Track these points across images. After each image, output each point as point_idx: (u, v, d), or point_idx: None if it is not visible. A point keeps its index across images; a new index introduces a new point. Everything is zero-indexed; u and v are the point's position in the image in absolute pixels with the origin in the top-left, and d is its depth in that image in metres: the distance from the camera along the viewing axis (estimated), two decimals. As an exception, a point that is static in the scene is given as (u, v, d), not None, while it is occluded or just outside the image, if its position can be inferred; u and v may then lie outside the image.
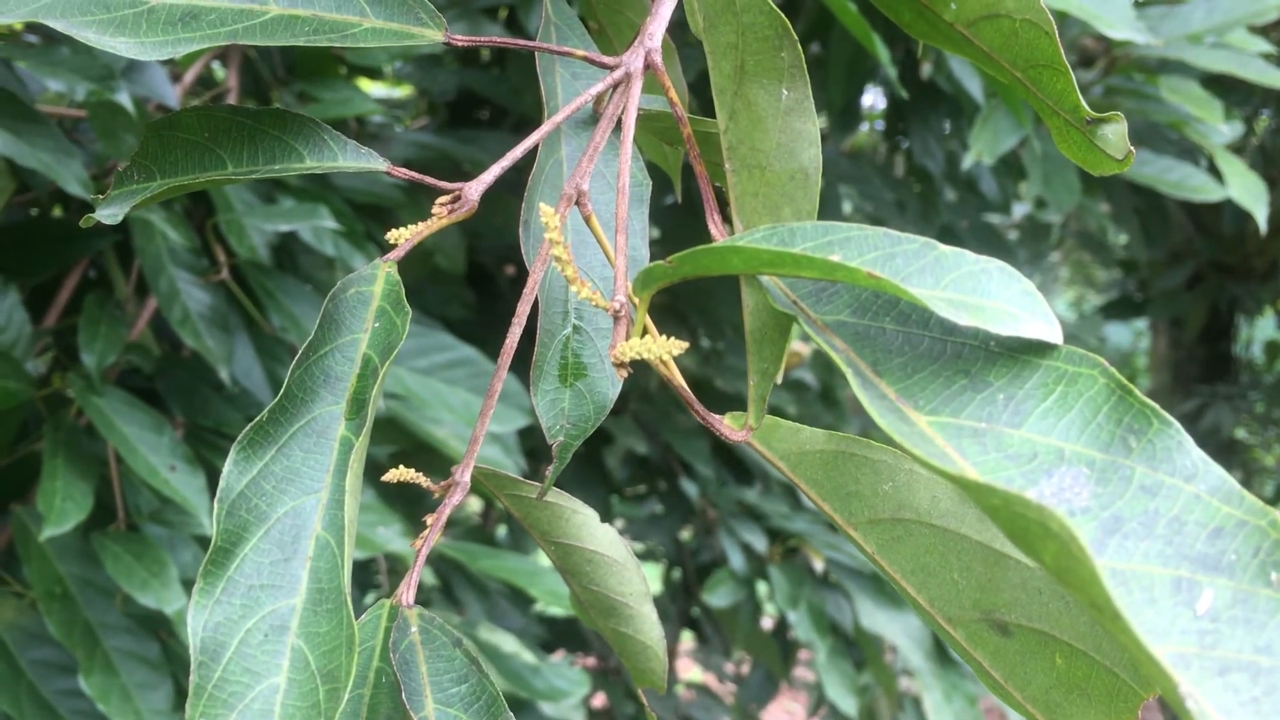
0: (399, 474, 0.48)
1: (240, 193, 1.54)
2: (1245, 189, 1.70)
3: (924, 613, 0.46)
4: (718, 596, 2.10)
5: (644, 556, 2.96)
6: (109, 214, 0.46)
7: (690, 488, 2.42)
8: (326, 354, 0.42)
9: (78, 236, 1.51)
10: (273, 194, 1.56)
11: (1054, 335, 0.34)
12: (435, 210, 0.46)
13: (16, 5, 0.42)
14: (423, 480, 0.49)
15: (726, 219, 0.49)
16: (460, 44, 0.46)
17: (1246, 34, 1.88)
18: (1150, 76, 1.72)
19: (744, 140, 0.41)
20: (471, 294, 2.26)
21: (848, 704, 2.04)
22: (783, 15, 0.39)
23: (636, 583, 0.60)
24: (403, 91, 2.64)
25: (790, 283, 0.38)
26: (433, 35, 0.45)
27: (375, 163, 0.46)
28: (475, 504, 2.88)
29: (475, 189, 0.46)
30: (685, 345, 0.39)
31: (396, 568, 1.65)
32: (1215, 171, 2.04)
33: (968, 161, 1.63)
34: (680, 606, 2.89)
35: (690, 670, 3.98)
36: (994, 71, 0.60)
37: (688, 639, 3.28)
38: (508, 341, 0.46)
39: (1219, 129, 1.70)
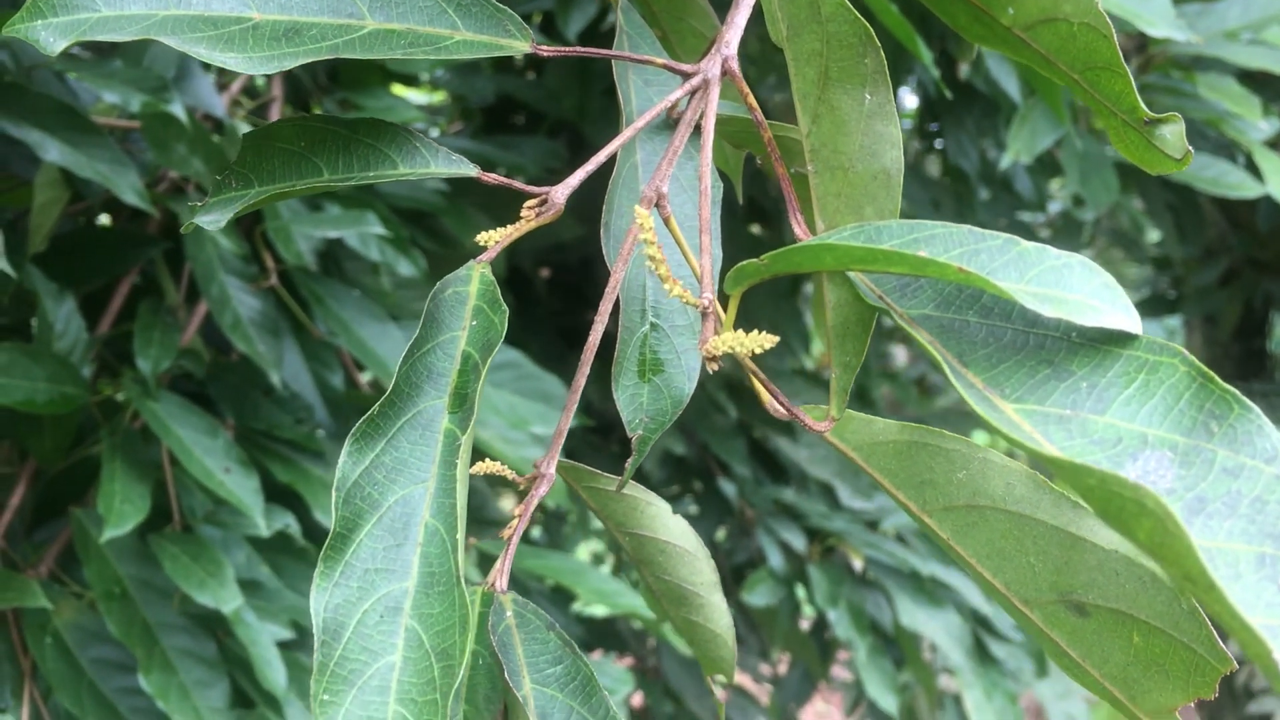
0: (485, 467, 0.50)
1: (287, 201, 1.56)
2: (1284, 185, 1.70)
3: (999, 596, 0.48)
4: (757, 595, 2.11)
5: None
6: (210, 220, 0.48)
7: (728, 487, 2.44)
8: (429, 351, 0.44)
9: (129, 245, 1.54)
10: (319, 201, 1.59)
11: (1134, 326, 0.36)
12: (524, 213, 0.48)
13: (129, 24, 0.44)
14: (507, 473, 0.51)
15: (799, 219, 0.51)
16: (546, 54, 0.48)
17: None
18: (1188, 74, 1.72)
19: (827, 143, 0.42)
20: (510, 297, 2.28)
21: (888, 702, 2.05)
22: (867, 24, 0.40)
23: (707, 573, 0.62)
24: (436, 98, 2.66)
25: (876, 279, 0.40)
26: (520, 46, 0.47)
27: (466, 168, 0.48)
28: (509, 504, 2.90)
29: (561, 193, 0.48)
30: (776, 339, 0.41)
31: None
32: (1252, 168, 2.04)
33: (1005, 161, 1.64)
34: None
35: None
36: (1050, 73, 0.61)
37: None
38: (591, 338, 0.48)
39: (1257, 125, 1.70)
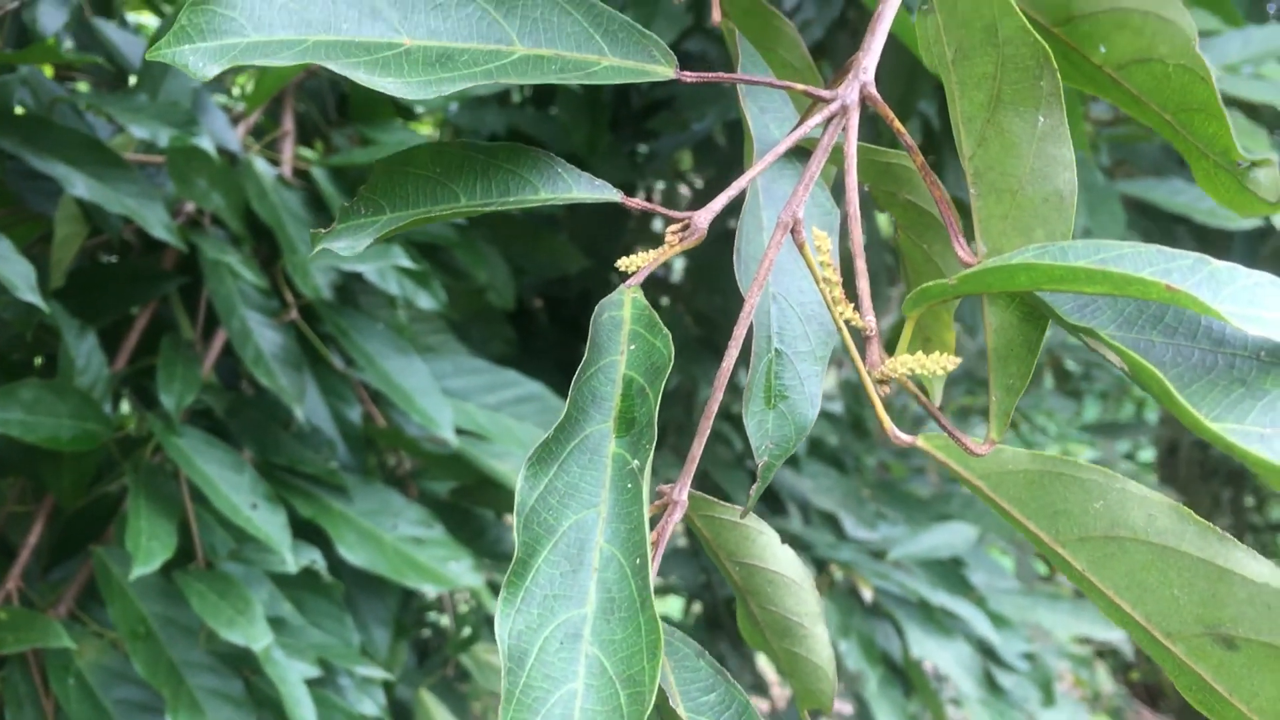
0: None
1: (305, 235, 1.56)
2: (1290, 215, 1.73)
3: (1138, 628, 0.48)
4: (767, 628, 2.10)
5: (664, 590, 2.96)
6: (342, 246, 0.48)
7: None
8: (592, 375, 0.44)
9: (145, 280, 1.53)
10: (337, 234, 1.58)
11: (1327, 344, 0.36)
12: (668, 238, 0.48)
13: (281, 49, 0.43)
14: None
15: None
16: (690, 80, 0.48)
17: (1277, 64, 1.92)
18: (1194, 106, 1.75)
19: (994, 166, 0.43)
20: (512, 330, 2.28)
21: (900, 733, 2.04)
22: (1045, 45, 0.41)
23: (811, 603, 0.61)
24: (439, 134, 2.66)
25: (1050, 300, 0.40)
26: (665, 71, 0.47)
27: (609, 193, 0.48)
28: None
29: (704, 217, 0.48)
30: (958, 361, 0.41)
31: (468, 600, 1.65)
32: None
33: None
34: (701, 639, 2.88)
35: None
36: (1137, 112, 0.62)
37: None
38: (725, 363, 0.48)
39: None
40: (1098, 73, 0.63)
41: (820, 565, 2.22)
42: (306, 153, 1.92)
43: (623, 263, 0.48)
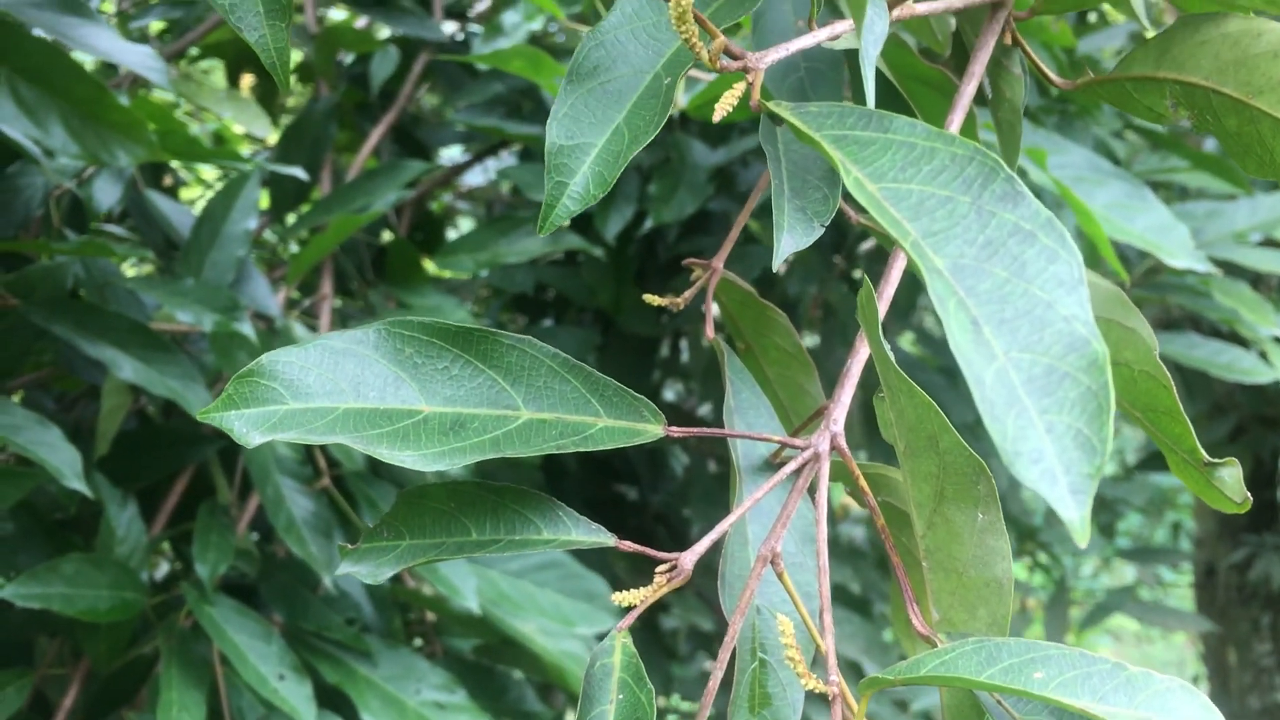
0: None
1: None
2: (1298, 382, 1.76)
3: None
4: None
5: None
6: (363, 572, 0.53)
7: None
8: (585, 729, 0.49)
9: (185, 443, 1.60)
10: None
11: (1232, 749, 0.40)
12: (657, 579, 0.53)
13: (315, 417, 0.49)
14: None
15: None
16: (677, 435, 0.54)
17: (1286, 230, 1.96)
18: (1202, 279, 1.80)
19: (941, 548, 0.48)
20: (541, 474, 2.33)
21: None
22: (980, 459, 0.46)
23: None
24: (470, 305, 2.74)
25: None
26: (655, 430, 0.53)
27: (604, 538, 0.53)
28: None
29: (689, 559, 0.53)
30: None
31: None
32: (1264, 353, 2.11)
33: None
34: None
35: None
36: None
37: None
38: (710, 684, 0.53)
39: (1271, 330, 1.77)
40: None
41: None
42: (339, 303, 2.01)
43: (617, 597, 0.53)
